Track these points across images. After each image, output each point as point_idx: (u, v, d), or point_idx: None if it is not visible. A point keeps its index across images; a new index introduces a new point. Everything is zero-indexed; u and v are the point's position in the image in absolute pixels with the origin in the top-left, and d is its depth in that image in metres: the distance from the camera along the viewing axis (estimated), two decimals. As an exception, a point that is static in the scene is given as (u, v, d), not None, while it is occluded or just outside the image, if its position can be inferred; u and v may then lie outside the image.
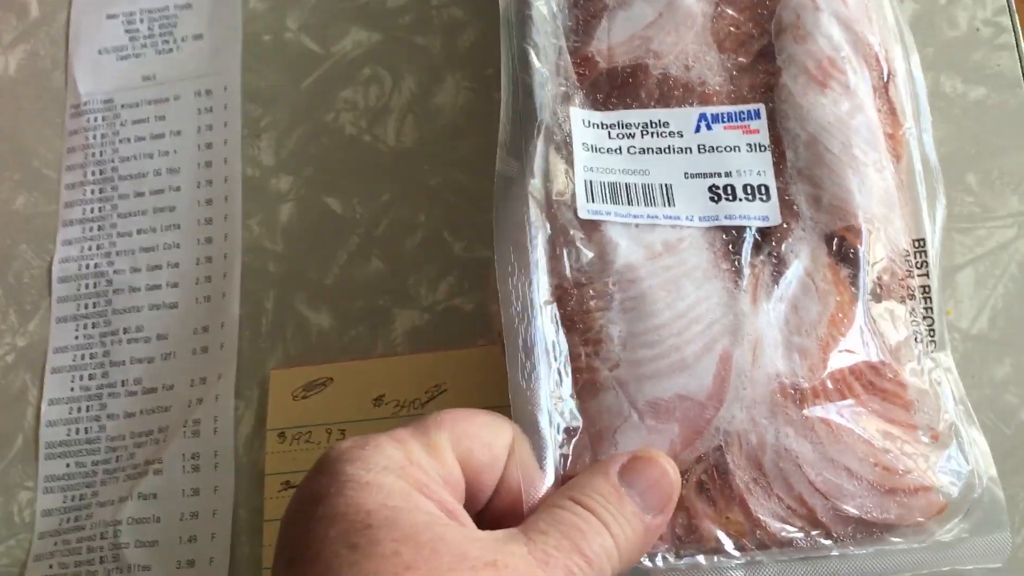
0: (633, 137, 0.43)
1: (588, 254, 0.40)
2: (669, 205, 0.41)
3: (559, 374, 0.39)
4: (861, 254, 0.40)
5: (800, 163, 0.42)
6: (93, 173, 0.57)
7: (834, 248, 0.40)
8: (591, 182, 0.42)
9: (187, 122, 0.57)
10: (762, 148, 0.42)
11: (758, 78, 0.44)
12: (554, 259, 0.40)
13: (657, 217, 0.41)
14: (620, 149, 0.43)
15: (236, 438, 0.51)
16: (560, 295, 0.40)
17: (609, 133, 0.43)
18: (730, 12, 0.45)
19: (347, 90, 0.57)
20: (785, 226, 0.41)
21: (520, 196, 0.41)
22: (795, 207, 0.41)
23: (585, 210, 0.41)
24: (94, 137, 0.58)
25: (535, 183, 0.41)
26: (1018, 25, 0.53)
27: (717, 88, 0.43)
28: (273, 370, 0.51)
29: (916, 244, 0.42)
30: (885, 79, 0.44)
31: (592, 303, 0.39)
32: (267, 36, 0.59)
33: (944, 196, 0.43)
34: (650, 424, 0.38)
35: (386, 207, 0.55)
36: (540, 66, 0.44)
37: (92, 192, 0.57)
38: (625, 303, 0.39)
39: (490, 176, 0.55)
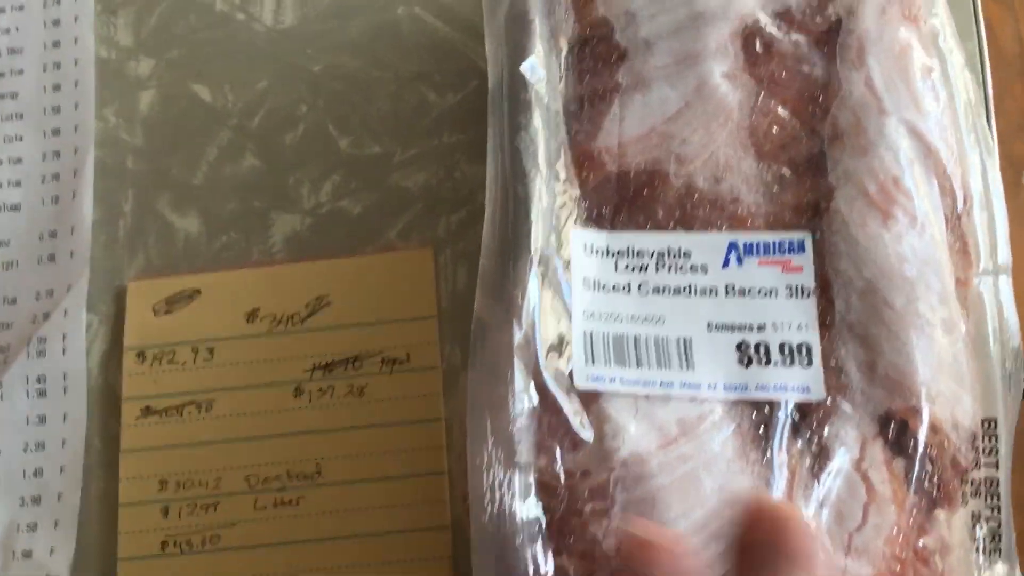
0: (646, 271, 0.35)
1: (585, 438, 0.32)
2: (687, 368, 0.33)
3: None
4: (921, 445, 0.32)
5: (852, 316, 0.33)
6: (-80, 54, 0.49)
7: (890, 436, 0.33)
8: (592, 335, 0.34)
9: (31, -6, 0.50)
10: (805, 293, 0.34)
11: (804, 196, 0.35)
12: (542, 444, 0.32)
13: (672, 385, 0.33)
14: (629, 287, 0.35)
15: (88, 359, 0.45)
16: (547, 493, 0.32)
17: (616, 264, 0.35)
18: (773, 105, 0.36)
19: (218, -41, 0.50)
20: (829, 402, 0.33)
21: (502, 353, 0.33)
22: (843, 376, 0.33)
23: (584, 376, 0.33)
24: (-78, 12, 0.50)
25: (521, 337, 0.33)
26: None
27: (752, 208, 0.35)
28: (131, 282, 0.45)
29: (986, 426, 0.34)
30: (959, 208, 0.35)
31: (587, 506, 0.31)
32: None
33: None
34: None
35: (262, 96, 0.48)
36: (536, 175, 0.35)
37: (-80, 76, 0.49)
38: (629, 507, 0.31)
39: (383, 62, 0.49)
